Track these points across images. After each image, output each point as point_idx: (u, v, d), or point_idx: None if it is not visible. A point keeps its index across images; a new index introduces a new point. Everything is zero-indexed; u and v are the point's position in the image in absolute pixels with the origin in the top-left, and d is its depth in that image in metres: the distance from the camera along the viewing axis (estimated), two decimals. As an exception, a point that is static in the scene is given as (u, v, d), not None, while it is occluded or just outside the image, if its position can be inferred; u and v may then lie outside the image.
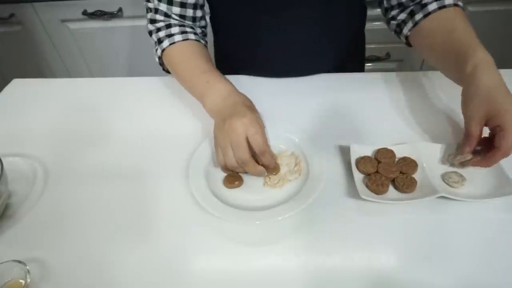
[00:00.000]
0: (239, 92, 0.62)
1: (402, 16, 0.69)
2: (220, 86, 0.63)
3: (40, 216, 0.56)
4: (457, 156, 0.56)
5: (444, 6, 0.63)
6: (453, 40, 0.60)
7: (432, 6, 0.64)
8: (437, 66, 0.68)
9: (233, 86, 0.64)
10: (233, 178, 0.58)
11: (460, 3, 0.64)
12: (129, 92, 0.81)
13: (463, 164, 0.57)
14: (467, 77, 0.56)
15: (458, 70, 0.58)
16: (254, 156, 0.55)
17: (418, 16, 0.66)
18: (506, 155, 0.52)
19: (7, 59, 1.56)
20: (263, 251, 0.50)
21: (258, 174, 0.57)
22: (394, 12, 0.70)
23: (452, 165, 0.58)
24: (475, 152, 0.55)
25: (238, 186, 0.57)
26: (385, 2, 0.71)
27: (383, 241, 0.50)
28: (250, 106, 0.59)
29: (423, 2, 0.65)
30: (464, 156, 0.55)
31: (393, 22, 0.71)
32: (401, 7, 0.69)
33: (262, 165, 0.56)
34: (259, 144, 0.54)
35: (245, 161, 0.54)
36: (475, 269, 0.46)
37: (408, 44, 0.72)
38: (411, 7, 0.67)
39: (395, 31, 0.73)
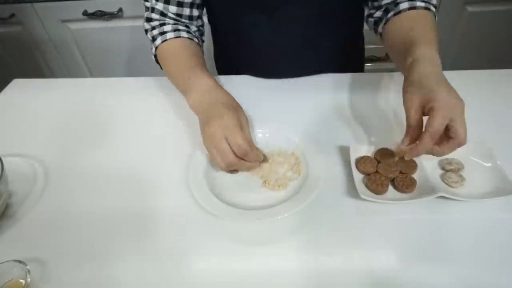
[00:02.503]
0: (219, 88, 0.62)
1: (378, 14, 0.71)
2: (200, 83, 0.63)
3: (40, 216, 0.56)
4: (399, 147, 0.55)
5: (414, 8, 0.65)
6: (407, 38, 0.62)
7: (403, 6, 0.66)
8: (394, 62, 0.69)
9: (214, 82, 0.63)
10: None
11: (432, 8, 0.66)
12: (129, 92, 0.81)
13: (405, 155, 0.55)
14: (406, 71, 0.57)
15: (402, 64, 0.60)
16: None
17: (390, 14, 0.68)
18: (434, 136, 0.49)
19: (7, 59, 1.56)
20: (263, 250, 0.50)
21: (251, 169, 0.58)
22: (372, 10, 0.72)
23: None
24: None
25: (236, 172, 0.58)
26: (369, 3, 0.73)
27: (383, 241, 0.50)
28: (227, 104, 0.59)
29: (397, 1, 0.67)
30: (403, 149, 0.54)
31: (371, 20, 0.74)
32: (380, 8, 0.71)
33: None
34: (239, 147, 0.54)
35: (232, 164, 0.55)
36: (475, 269, 0.46)
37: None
38: (386, 6, 0.69)
39: (374, 30, 0.75)
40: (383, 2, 0.69)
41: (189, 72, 0.65)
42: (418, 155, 0.52)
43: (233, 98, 0.61)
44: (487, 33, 1.39)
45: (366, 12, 0.76)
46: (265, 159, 0.60)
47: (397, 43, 0.65)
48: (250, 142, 0.55)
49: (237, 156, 0.54)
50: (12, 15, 1.38)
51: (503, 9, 1.32)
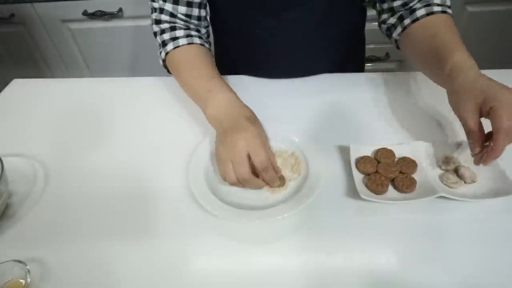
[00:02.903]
0: (241, 103, 0.60)
1: (392, 20, 0.70)
2: (222, 96, 0.61)
3: (40, 216, 0.56)
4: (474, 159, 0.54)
5: (432, 13, 0.64)
6: (434, 44, 0.61)
7: (420, 12, 0.65)
8: (420, 70, 0.69)
9: (235, 95, 0.62)
10: None
11: (449, 10, 0.65)
12: (129, 92, 0.81)
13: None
14: (447, 78, 0.56)
15: (438, 73, 0.59)
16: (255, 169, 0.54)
17: (406, 21, 0.67)
18: (508, 134, 0.48)
19: (7, 59, 1.56)
20: (263, 250, 0.50)
21: (258, 189, 0.56)
22: (385, 16, 0.71)
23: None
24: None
25: (283, 185, 0.57)
26: (377, 5, 0.72)
27: (383, 241, 0.50)
28: (251, 118, 0.57)
29: (413, 7, 0.66)
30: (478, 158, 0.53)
31: (384, 26, 0.73)
32: (392, 11, 0.70)
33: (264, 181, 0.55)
34: (261, 161, 0.52)
35: (246, 179, 0.52)
36: (475, 269, 0.47)
37: (398, 47, 0.73)
38: (401, 12, 0.68)
39: (386, 34, 0.74)
40: (395, 5, 0.68)
41: (209, 84, 0.63)
42: (497, 157, 0.50)
43: (252, 111, 0.59)
44: (487, 33, 1.38)
45: (377, 16, 0.75)
46: (281, 183, 0.57)
47: (422, 51, 0.64)
48: (272, 162, 0.54)
49: (251, 174, 0.52)
50: (12, 15, 1.38)
51: (503, 9, 1.32)
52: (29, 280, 0.46)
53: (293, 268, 0.48)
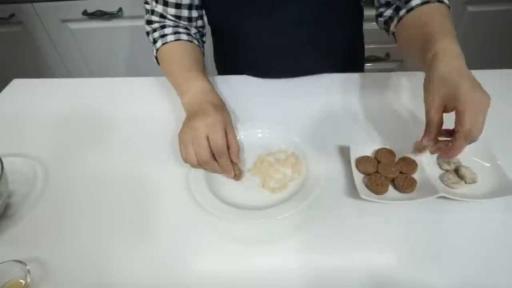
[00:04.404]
0: (212, 91, 0.64)
1: (388, 12, 0.69)
2: (196, 84, 0.65)
3: (40, 216, 0.56)
4: (417, 144, 0.55)
5: (427, 2, 0.63)
6: (425, 32, 0.60)
7: (415, 2, 0.64)
8: (412, 60, 0.67)
9: (209, 84, 0.65)
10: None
11: (445, 0, 0.64)
12: (129, 92, 0.81)
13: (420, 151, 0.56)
14: (427, 67, 0.55)
15: (423, 61, 0.58)
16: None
17: (401, 12, 0.66)
18: (467, 138, 0.49)
19: (7, 59, 1.56)
20: (263, 250, 0.50)
21: (217, 173, 0.58)
22: (382, 9, 0.70)
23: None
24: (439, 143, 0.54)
25: (238, 179, 0.58)
26: (375, 1, 0.71)
27: (383, 241, 0.50)
28: (219, 106, 0.60)
29: None
30: (424, 145, 0.54)
31: (381, 20, 0.72)
32: (388, 5, 0.69)
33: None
34: (217, 146, 0.55)
35: (205, 161, 0.56)
36: (475, 269, 0.47)
37: (396, 40, 0.72)
38: (397, 3, 0.68)
39: (385, 29, 0.73)
40: (396, 1, 0.67)
41: (187, 75, 0.67)
42: (454, 156, 0.52)
43: (223, 101, 0.63)
44: (487, 33, 1.39)
45: (375, 12, 0.74)
46: (237, 175, 0.58)
47: (414, 40, 0.63)
48: (232, 150, 0.57)
49: (211, 157, 0.56)
50: (12, 15, 1.38)
51: (503, 9, 1.32)
52: (29, 280, 0.46)
53: (293, 268, 0.48)
